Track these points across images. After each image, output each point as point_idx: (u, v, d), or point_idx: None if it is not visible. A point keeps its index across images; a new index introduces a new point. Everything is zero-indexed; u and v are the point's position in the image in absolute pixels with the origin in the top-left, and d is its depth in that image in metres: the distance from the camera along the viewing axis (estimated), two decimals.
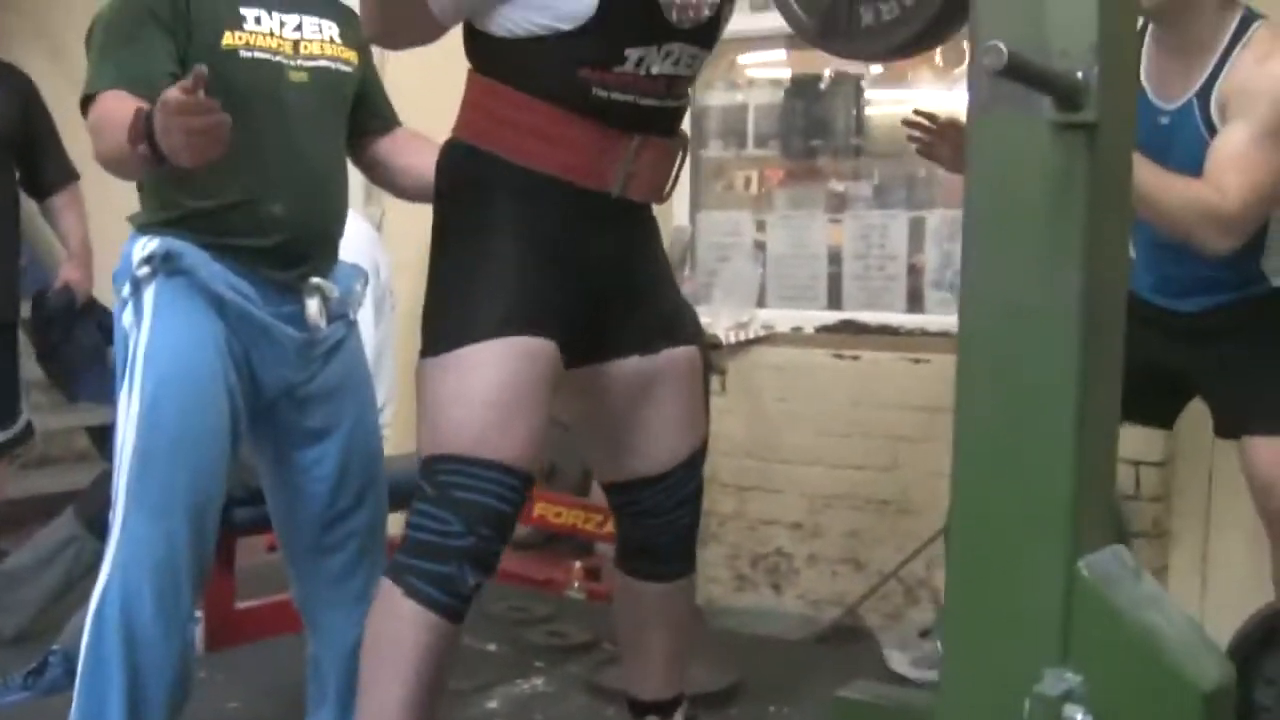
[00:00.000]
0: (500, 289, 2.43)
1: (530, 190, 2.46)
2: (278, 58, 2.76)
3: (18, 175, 4.84)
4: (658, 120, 2.52)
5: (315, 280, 2.85)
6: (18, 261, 4.93)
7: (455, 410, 2.39)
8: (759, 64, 5.69)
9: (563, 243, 2.48)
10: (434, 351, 2.45)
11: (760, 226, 5.51)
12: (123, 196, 2.91)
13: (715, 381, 4.70)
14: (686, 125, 5.08)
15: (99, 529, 4.15)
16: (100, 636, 2.65)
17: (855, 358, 4.99)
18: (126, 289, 2.75)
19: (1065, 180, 1.60)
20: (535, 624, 4.19)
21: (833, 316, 5.25)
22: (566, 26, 2.38)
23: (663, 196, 2.60)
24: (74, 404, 7.18)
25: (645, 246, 2.70)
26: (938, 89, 5.20)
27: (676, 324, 2.75)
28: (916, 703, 3.30)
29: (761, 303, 5.33)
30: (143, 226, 2.78)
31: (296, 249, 2.80)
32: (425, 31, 2.46)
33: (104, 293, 6.94)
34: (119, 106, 2.50)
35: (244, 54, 2.71)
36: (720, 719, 3.17)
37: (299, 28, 2.81)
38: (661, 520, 2.75)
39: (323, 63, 2.83)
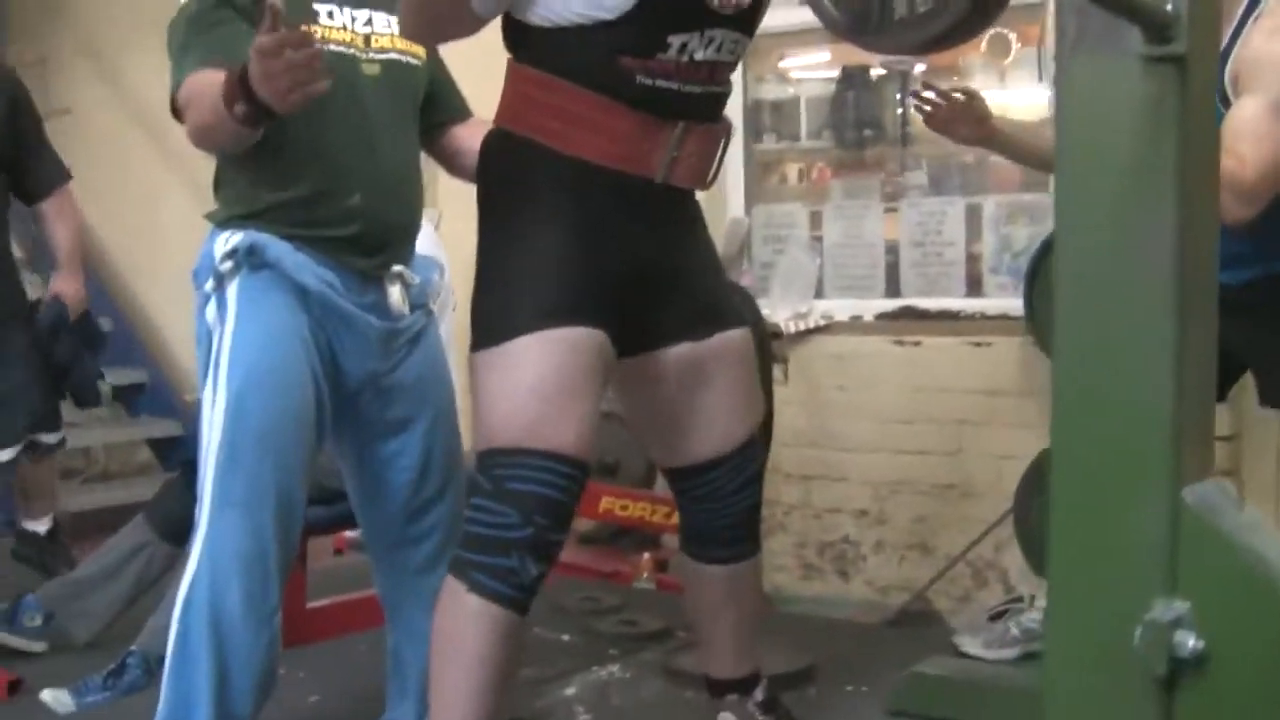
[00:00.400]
0: (544, 279, 2.44)
1: (574, 178, 2.46)
2: (351, 51, 2.78)
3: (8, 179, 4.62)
4: (701, 106, 2.52)
5: (397, 268, 2.87)
6: (10, 261, 4.69)
7: (504, 404, 2.41)
8: (809, 57, 5.71)
9: (607, 230, 2.49)
10: (482, 345, 2.46)
11: (815, 218, 5.51)
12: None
13: (777, 371, 4.70)
14: (739, 120, 5.18)
15: (170, 534, 4.21)
16: (188, 628, 2.67)
17: (915, 344, 5.00)
18: (209, 284, 2.75)
19: (1156, 115, 1.60)
20: (607, 614, 4.20)
21: (892, 304, 5.26)
22: (608, 15, 2.38)
23: (706, 183, 2.60)
24: (136, 417, 7.25)
25: (690, 232, 2.70)
26: (989, 77, 5.20)
27: (726, 307, 2.76)
28: (990, 677, 3.33)
29: (819, 294, 5.34)
30: (223, 222, 2.79)
31: (375, 238, 2.81)
32: (464, 26, 2.47)
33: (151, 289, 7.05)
34: (208, 78, 2.51)
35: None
36: (799, 699, 3.17)
37: (369, 22, 2.82)
38: (723, 504, 2.77)
39: (393, 55, 2.84)
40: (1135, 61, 1.60)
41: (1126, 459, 1.60)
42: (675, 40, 2.41)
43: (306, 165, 2.71)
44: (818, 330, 5.14)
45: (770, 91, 5.68)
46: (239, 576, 2.65)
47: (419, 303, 2.94)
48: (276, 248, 2.72)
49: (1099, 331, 1.63)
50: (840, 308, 5.29)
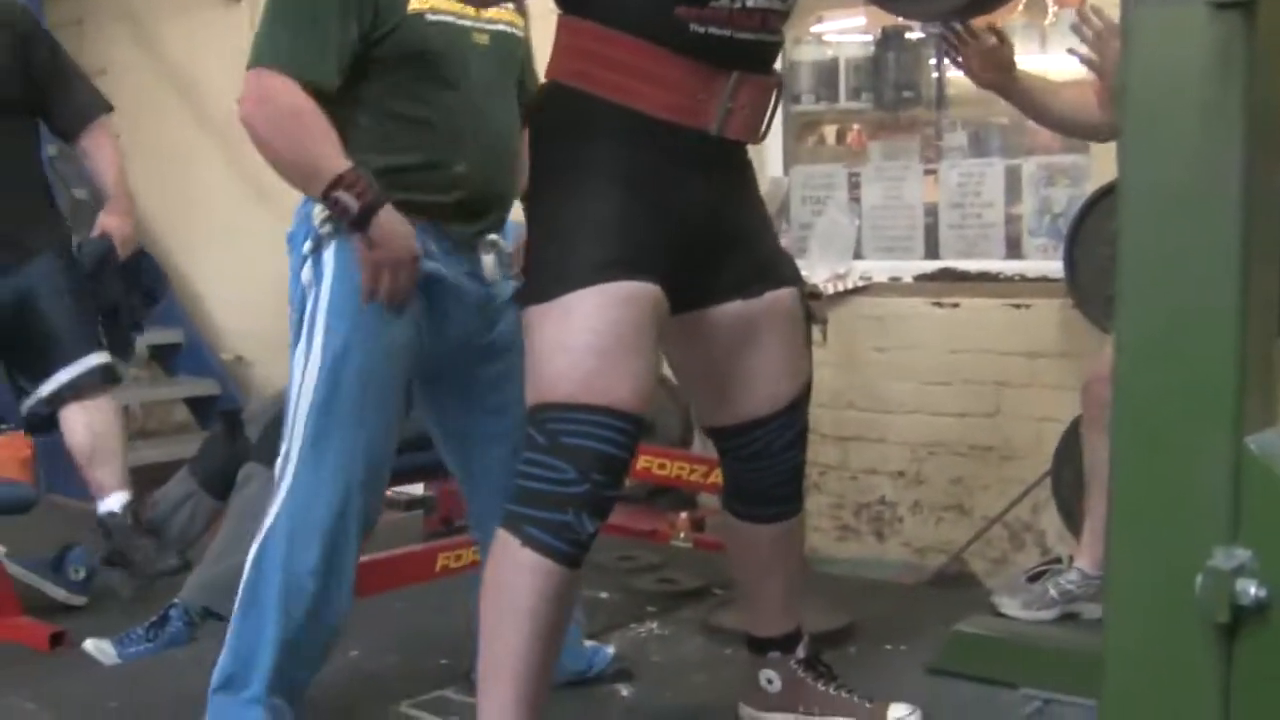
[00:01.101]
0: (599, 232, 2.43)
1: (628, 130, 2.45)
2: (463, 21, 2.76)
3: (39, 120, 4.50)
4: (754, 56, 2.51)
5: (491, 236, 2.87)
6: (45, 196, 4.58)
7: (560, 358, 2.39)
8: (847, 21, 5.71)
9: (661, 184, 2.47)
10: (536, 300, 2.44)
11: (854, 179, 5.51)
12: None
13: (816, 332, 4.70)
14: None
15: (214, 488, 4.25)
16: (262, 580, 2.69)
17: (954, 305, 5.00)
18: (307, 246, 2.76)
19: (1223, 64, 1.59)
20: (645, 572, 4.21)
21: (931, 265, 5.25)
22: None
23: (759, 136, 2.59)
24: (173, 377, 7.29)
25: (742, 188, 2.70)
26: (1029, 40, 5.18)
27: (776, 266, 2.76)
28: (1032, 637, 3.33)
29: (858, 254, 5.34)
30: None
31: (476, 206, 2.81)
32: None
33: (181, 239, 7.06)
34: (300, 119, 2.55)
35: (430, 17, 2.71)
36: (839, 657, 3.18)
37: None
38: (769, 462, 2.77)
39: (501, 26, 2.84)
40: (1201, 9, 1.59)
41: (1189, 407, 1.60)
42: None
43: (415, 133, 2.71)
44: (856, 291, 5.14)
45: (808, 53, 5.66)
46: (319, 538, 2.68)
47: (508, 268, 2.94)
48: None
49: (1162, 280, 1.62)
50: (879, 269, 5.29)
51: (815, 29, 5.75)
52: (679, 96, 2.45)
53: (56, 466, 5.46)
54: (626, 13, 2.42)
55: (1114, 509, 1.66)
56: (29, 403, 4.36)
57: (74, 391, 4.31)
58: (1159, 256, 1.65)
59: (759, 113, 2.55)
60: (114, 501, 4.31)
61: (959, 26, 3.34)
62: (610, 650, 3.33)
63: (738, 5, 2.42)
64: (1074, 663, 3.02)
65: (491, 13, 2.80)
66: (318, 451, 2.67)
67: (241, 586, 2.72)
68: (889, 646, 3.50)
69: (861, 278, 5.19)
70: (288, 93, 2.56)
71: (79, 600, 4.34)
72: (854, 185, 5.51)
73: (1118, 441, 1.66)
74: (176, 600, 3.89)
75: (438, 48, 2.72)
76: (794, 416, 2.77)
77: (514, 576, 2.39)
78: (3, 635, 4.05)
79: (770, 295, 2.69)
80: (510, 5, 2.84)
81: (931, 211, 5.33)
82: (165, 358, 7.37)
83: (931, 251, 5.32)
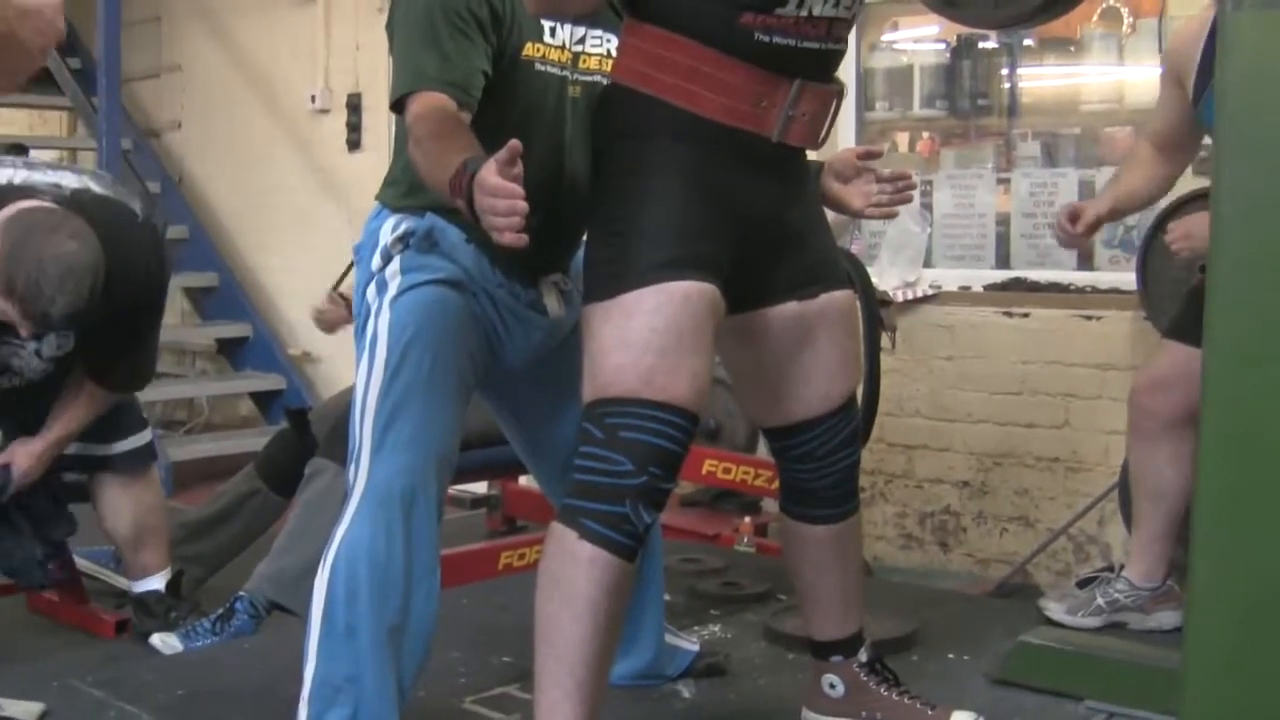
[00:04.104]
0: (659, 232, 2.44)
1: (690, 134, 2.46)
2: (563, 72, 2.74)
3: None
4: (817, 64, 2.50)
5: (554, 277, 2.85)
6: None
7: (619, 355, 2.40)
8: (922, 29, 5.69)
9: (721, 186, 2.48)
10: (597, 298, 2.45)
11: (926, 186, 5.48)
12: None
13: (885, 339, 4.69)
14: (851, 88, 5.16)
15: (279, 485, 4.27)
16: (346, 577, 2.63)
17: (1025, 315, 4.97)
18: (375, 262, 2.73)
19: None
20: (709, 575, 4.20)
21: (1001, 275, 5.23)
22: None
23: (819, 143, 2.58)
24: (239, 370, 7.34)
25: (800, 192, 2.69)
26: (1107, 50, 5.16)
27: (831, 268, 2.76)
28: (1098, 649, 3.30)
29: (928, 262, 5.32)
30: (400, 207, 2.76)
31: (545, 254, 2.76)
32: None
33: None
34: (443, 127, 2.47)
35: (538, 66, 2.69)
36: (902, 664, 3.15)
37: (582, 40, 2.77)
38: (822, 462, 2.77)
39: (595, 77, 2.78)
40: None
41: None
42: None
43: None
44: (926, 299, 5.12)
45: (882, 60, 5.64)
46: (399, 530, 2.64)
47: (573, 305, 2.87)
48: (451, 235, 2.70)
49: (1255, 282, 1.61)
50: (949, 277, 5.27)
51: (889, 36, 5.73)
52: (741, 102, 2.45)
53: None
54: (691, 19, 2.42)
55: (1198, 515, 1.64)
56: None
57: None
58: (1253, 258, 1.63)
59: (820, 120, 2.55)
60: (158, 580, 4.00)
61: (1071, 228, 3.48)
62: (694, 647, 3.32)
63: (804, 13, 2.41)
64: (1140, 676, 3.00)
65: (590, 63, 2.77)
66: (395, 438, 2.65)
67: (323, 597, 2.66)
68: (951, 655, 3.47)
69: (931, 286, 5.17)
70: (444, 130, 2.49)
71: None
72: (925, 193, 5.48)
73: (1205, 444, 1.65)
74: (242, 593, 3.90)
75: (539, 98, 2.70)
76: (845, 417, 2.78)
77: (571, 570, 2.39)
78: (71, 621, 4.07)
79: (825, 297, 2.70)
80: (614, 54, 2.75)
81: (1003, 220, 5.32)
82: (232, 351, 7.42)
83: (1002, 261, 5.29)
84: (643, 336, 2.39)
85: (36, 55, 1.93)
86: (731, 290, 2.51)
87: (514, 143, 2.18)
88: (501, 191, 2.17)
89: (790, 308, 2.67)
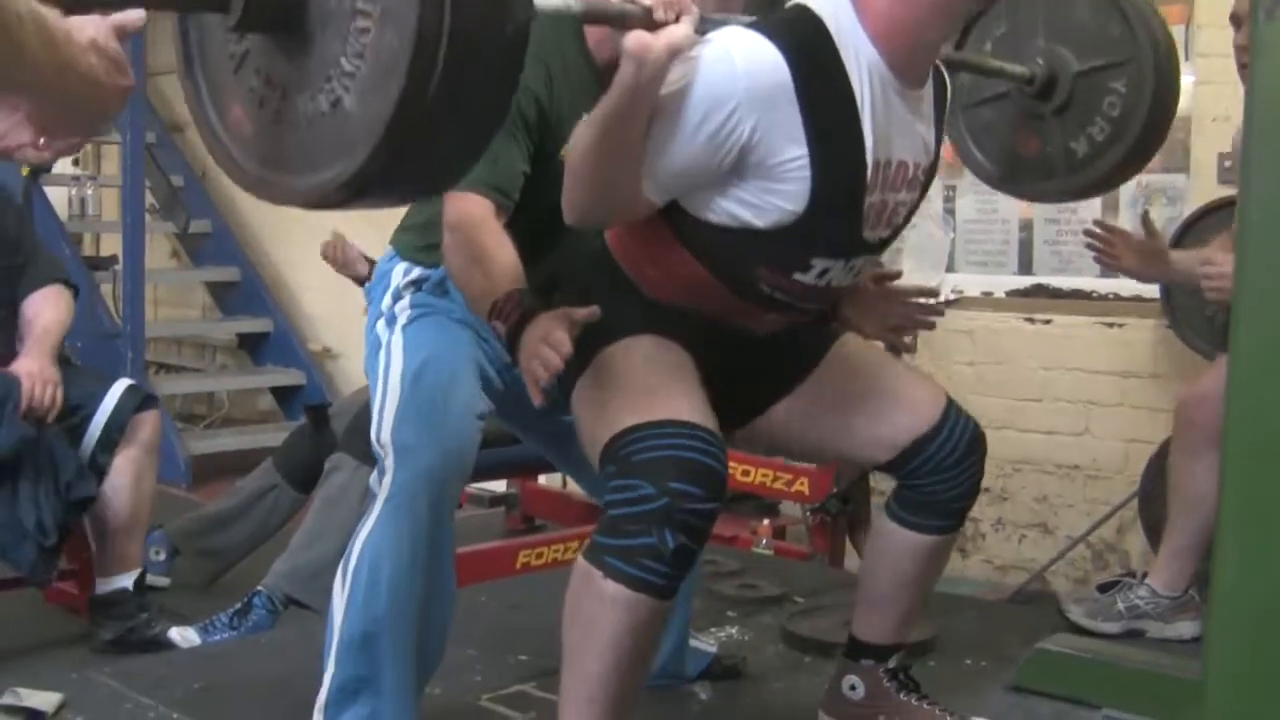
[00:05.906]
0: (630, 324, 2.43)
1: (663, 308, 2.46)
2: None
3: None
4: (808, 312, 2.53)
5: None
6: None
7: (610, 403, 2.35)
8: None
9: (688, 334, 2.46)
10: (574, 381, 2.42)
11: (949, 191, 5.47)
12: None
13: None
14: None
15: (297, 481, 4.28)
16: (363, 579, 2.65)
17: (1047, 322, 4.96)
18: (386, 302, 2.76)
19: None
20: (726, 577, 4.19)
21: (1024, 281, 5.21)
22: (761, 224, 2.31)
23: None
24: (260, 365, 7.36)
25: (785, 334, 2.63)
26: None
27: (814, 347, 2.69)
28: (1116, 657, 3.29)
29: (950, 267, 5.29)
30: (413, 254, 2.79)
31: None
32: (633, 212, 2.38)
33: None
34: (488, 239, 2.49)
35: None
36: (920, 670, 3.14)
37: None
38: (951, 473, 2.67)
39: None
40: None
41: None
42: (819, 264, 2.38)
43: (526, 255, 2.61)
44: (948, 304, 5.10)
45: None
46: (423, 529, 2.64)
47: None
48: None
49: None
50: (971, 282, 5.26)
51: None
52: (718, 314, 2.47)
53: None
54: (708, 248, 2.39)
55: (1221, 525, 1.64)
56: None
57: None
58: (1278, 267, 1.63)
59: (797, 324, 2.56)
60: (130, 578, 3.91)
61: (1104, 228, 3.35)
62: (711, 649, 3.31)
63: (823, 282, 2.41)
64: (1158, 685, 2.99)
65: None
66: (405, 459, 2.64)
67: (344, 600, 2.67)
68: (969, 662, 3.47)
69: (954, 291, 5.16)
70: (479, 215, 2.52)
71: (163, 581, 4.36)
72: (948, 198, 5.46)
73: (1229, 453, 1.64)
74: (260, 588, 3.92)
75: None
76: (954, 422, 2.67)
77: (597, 609, 2.27)
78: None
79: (817, 369, 2.65)
80: None
81: (1026, 227, 5.29)
82: (253, 346, 7.44)
83: (1025, 267, 5.27)
84: (629, 379, 2.36)
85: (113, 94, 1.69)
86: (722, 410, 2.41)
87: (595, 309, 2.25)
88: (561, 351, 2.19)
89: (784, 403, 2.64)
